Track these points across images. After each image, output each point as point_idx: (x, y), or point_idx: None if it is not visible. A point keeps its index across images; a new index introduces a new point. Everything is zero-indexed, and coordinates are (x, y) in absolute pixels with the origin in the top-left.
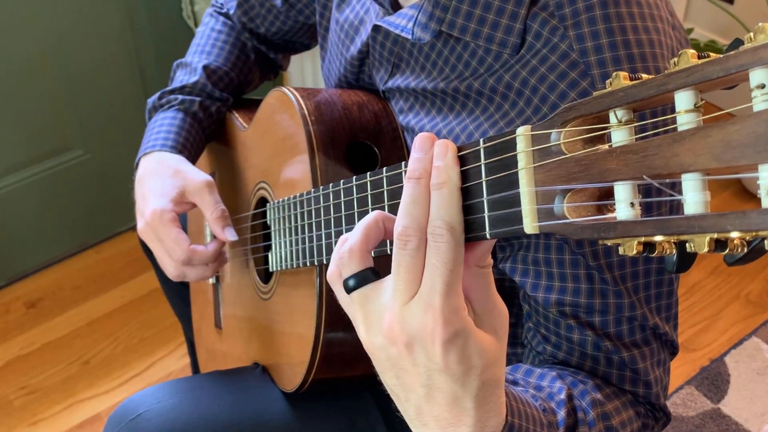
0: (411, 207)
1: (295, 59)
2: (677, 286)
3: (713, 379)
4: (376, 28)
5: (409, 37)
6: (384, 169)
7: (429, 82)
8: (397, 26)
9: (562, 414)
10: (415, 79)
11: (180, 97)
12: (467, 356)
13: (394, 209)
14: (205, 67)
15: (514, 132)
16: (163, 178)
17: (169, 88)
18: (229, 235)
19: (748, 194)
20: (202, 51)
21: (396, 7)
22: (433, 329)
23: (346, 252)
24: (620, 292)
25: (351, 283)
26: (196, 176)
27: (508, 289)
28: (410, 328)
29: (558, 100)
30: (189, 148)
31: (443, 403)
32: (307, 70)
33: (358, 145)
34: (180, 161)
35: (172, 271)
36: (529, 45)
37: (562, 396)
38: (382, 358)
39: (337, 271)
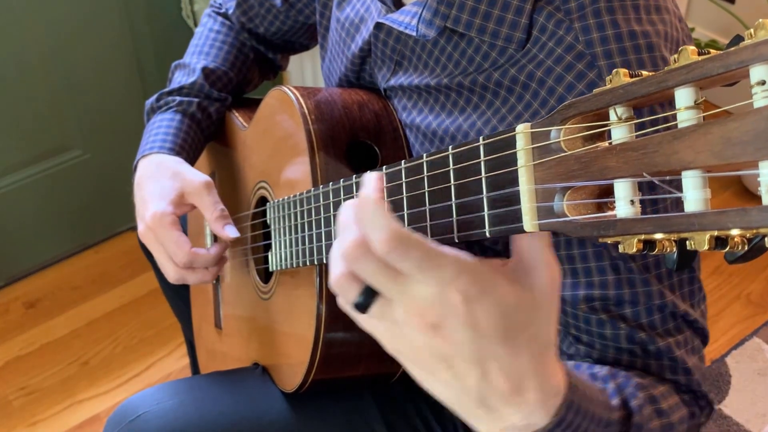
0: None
1: (294, 59)
2: (699, 273)
3: (714, 380)
4: (378, 26)
5: (413, 34)
6: (384, 167)
7: (432, 78)
8: (400, 23)
9: (611, 387)
10: (419, 76)
11: (178, 98)
12: (491, 312)
13: (393, 206)
14: (204, 68)
15: (513, 129)
16: (161, 180)
17: (167, 89)
18: (231, 232)
19: (749, 194)
20: (200, 51)
21: (398, 4)
22: (447, 300)
23: (334, 283)
24: (647, 280)
25: (361, 301)
26: (194, 177)
27: None
28: (429, 312)
29: (565, 92)
30: (187, 149)
31: (499, 374)
32: (307, 70)
33: (359, 145)
34: (178, 162)
35: (172, 275)
36: (534, 38)
37: (605, 372)
38: (426, 358)
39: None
